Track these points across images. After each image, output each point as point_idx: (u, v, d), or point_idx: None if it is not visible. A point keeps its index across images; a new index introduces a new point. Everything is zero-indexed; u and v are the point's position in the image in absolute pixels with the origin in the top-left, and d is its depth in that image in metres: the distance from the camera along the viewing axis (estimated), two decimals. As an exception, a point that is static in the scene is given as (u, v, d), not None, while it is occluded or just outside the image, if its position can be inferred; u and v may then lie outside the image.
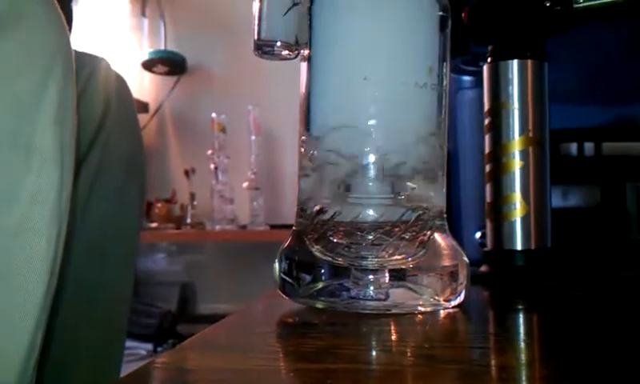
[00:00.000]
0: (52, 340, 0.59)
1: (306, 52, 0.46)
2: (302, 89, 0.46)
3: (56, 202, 0.43)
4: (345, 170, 0.44)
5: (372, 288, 0.42)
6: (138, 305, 1.94)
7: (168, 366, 0.32)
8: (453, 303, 0.43)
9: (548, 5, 0.58)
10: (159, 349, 1.98)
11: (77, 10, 0.82)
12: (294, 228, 0.46)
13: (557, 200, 0.80)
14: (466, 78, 0.82)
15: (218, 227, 2.08)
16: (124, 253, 0.77)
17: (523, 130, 0.59)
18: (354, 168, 0.43)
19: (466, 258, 0.45)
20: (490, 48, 0.62)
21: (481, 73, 0.63)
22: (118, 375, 0.77)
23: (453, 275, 0.43)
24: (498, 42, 0.61)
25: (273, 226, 2.08)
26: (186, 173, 2.24)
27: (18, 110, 0.41)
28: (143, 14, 2.37)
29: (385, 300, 0.42)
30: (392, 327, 0.40)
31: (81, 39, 2.02)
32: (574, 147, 0.98)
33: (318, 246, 0.43)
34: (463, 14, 0.63)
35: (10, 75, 0.41)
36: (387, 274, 0.42)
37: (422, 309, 0.42)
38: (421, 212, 0.43)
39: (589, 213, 0.88)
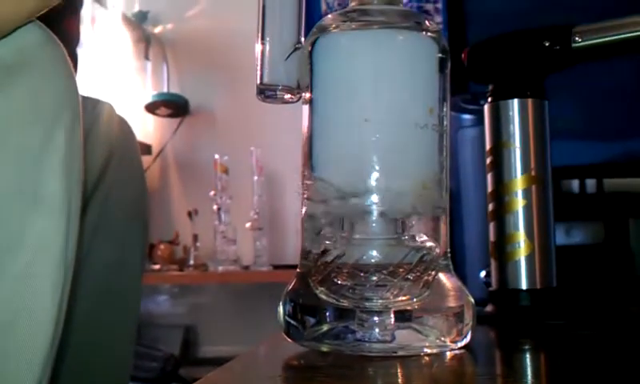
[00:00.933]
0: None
1: (308, 95, 0.47)
2: (304, 131, 0.47)
3: (62, 248, 0.43)
4: (348, 211, 0.44)
5: (377, 330, 0.41)
6: (141, 348, 1.92)
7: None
8: (459, 344, 0.43)
9: (547, 44, 0.59)
10: (162, 393, 1.96)
11: (81, 53, 0.83)
12: (298, 270, 0.46)
13: (560, 237, 0.80)
14: (467, 116, 0.83)
15: (220, 268, 2.07)
16: (128, 297, 0.77)
17: (525, 168, 0.59)
18: (357, 209, 0.43)
19: (471, 298, 0.44)
20: (490, 87, 0.62)
21: (481, 110, 0.63)
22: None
23: (458, 316, 0.43)
24: (498, 81, 0.62)
25: (276, 267, 2.07)
26: (189, 214, 2.24)
27: (26, 157, 0.42)
28: (147, 57, 2.39)
29: (390, 342, 0.41)
30: (398, 370, 0.39)
31: (85, 82, 2.04)
32: (575, 184, 0.98)
33: (322, 288, 0.43)
34: (463, 55, 0.63)
35: (19, 123, 0.42)
36: (392, 316, 0.42)
37: (429, 350, 0.42)
38: (424, 252, 0.43)
39: (592, 250, 0.88)
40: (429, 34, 0.45)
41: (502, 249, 0.59)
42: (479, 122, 0.66)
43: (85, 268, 0.68)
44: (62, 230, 0.43)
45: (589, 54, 0.58)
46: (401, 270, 0.42)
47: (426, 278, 0.43)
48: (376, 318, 0.41)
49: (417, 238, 0.44)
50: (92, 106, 0.71)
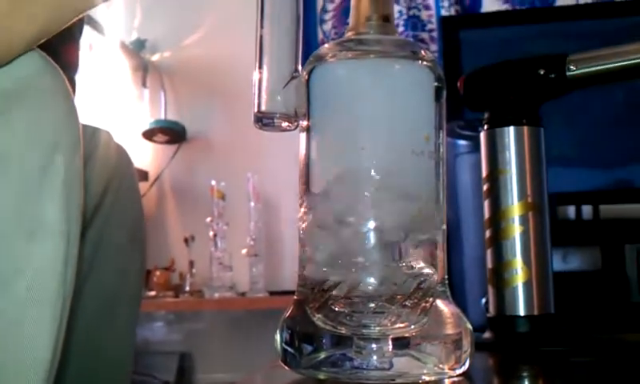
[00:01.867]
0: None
1: (305, 123, 0.47)
2: (301, 158, 0.47)
3: (62, 274, 0.43)
4: (345, 238, 0.44)
5: (375, 357, 0.41)
6: (136, 376, 1.90)
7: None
8: (458, 371, 0.43)
9: (542, 73, 0.59)
10: (157, 422, 1.93)
11: (79, 79, 0.83)
12: (295, 297, 0.46)
13: (557, 263, 0.80)
14: (464, 142, 0.83)
15: (216, 295, 2.06)
16: (125, 323, 0.77)
17: (522, 195, 0.59)
18: (354, 236, 0.43)
19: (469, 325, 0.44)
20: (486, 115, 0.63)
21: (477, 136, 0.64)
22: None
23: (457, 343, 0.43)
24: (493, 109, 0.62)
25: (272, 293, 2.06)
26: (186, 240, 2.23)
27: (26, 183, 0.42)
28: (144, 85, 2.41)
29: (389, 369, 0.41)
30: (396, 398, 0.39)
31: (83, 109, 2.05)
32: (571, 210, 0.98)
33: (319, 315, 0.43)
34: (459, 83, 0.64)
35: (19, 150, 0.42)
36: (390, 343, 0.41)
37: (427, 378, 0.42)
38: (422, 279, 0.43)
39: (589, 276, 0.88)
40: (425, 63, 0.46)
41: (499, 275, 0.59)
42: (476, 148, 0.66)
43: (84, 293, 0.68)
44: (61, 255, 0.43)
45: (583, 82, 0.59)
46: (398, 296, 0.42)
47: (423, 304, 0.43)
48: (374, 346, 0.41)
49: (414, 265, 0.44)
50: (91, 134, 0.71)
